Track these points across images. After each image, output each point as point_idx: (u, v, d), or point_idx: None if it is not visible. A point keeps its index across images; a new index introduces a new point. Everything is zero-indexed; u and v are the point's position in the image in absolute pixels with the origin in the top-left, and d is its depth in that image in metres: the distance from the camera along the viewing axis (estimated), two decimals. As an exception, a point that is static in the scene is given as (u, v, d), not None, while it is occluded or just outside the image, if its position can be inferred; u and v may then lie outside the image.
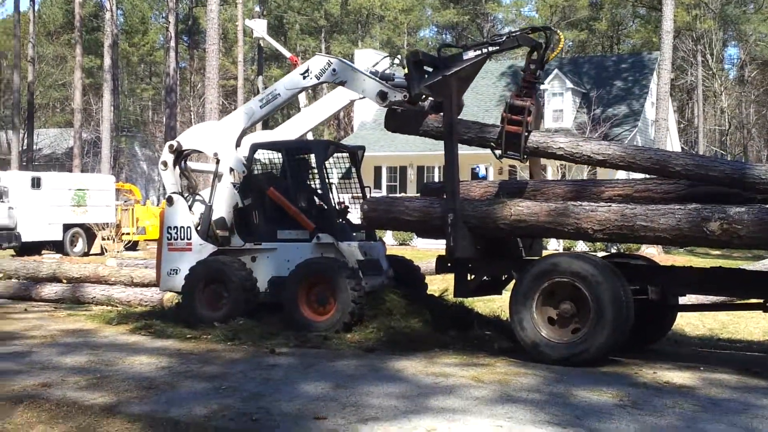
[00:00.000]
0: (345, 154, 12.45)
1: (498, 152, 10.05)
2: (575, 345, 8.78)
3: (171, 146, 12.08)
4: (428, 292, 12.13)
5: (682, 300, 11.08)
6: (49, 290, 14.79)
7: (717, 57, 70.72)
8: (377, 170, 45.79)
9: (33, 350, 9.54)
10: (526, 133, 9.85)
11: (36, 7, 61.91)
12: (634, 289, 9.13)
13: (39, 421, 6.45)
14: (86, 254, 32.39)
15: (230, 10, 71.30)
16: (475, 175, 42.20)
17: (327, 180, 11.70)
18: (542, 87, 43.06)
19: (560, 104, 43.07)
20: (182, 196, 11.99)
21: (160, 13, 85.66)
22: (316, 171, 11.88)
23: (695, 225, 8.31)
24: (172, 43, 59.25)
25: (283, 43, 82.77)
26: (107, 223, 32.21)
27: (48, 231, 31.55)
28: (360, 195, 12.11)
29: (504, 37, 10.50)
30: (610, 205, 8.94)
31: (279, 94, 11.90)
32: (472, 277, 10.12)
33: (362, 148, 12.41)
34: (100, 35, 71.68)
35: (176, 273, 11.62)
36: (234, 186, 11.94)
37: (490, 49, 10.43)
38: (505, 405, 7.00)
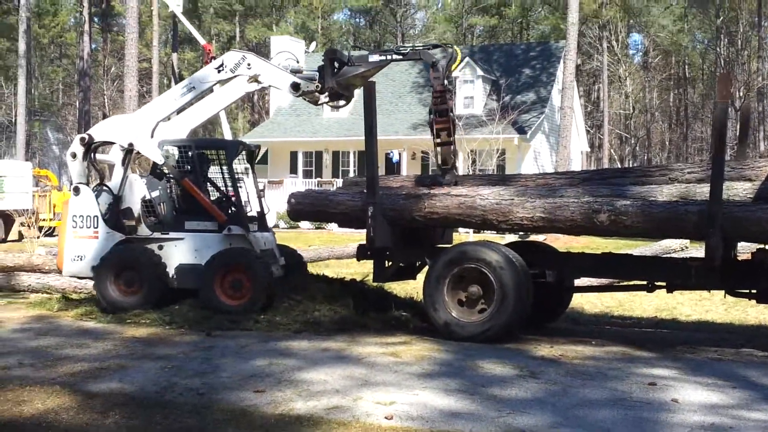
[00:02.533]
0: (244, 152, 13.19)
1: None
2: (482, 324, 9.84)
3: (83, 139, 12.49)
4: (350, 277, 13.14)
5: (578, 282, 12.28)
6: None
7: (622, 43, 72.98)
8: (293, 155, 46.54)
9: (-16, 336, 10.24)
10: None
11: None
12: (534, 273, 10.24)
13: (7, 400, 7.17)
14: (4, 240, 32.50)
15: (144, -9, 70.98)
16: (389, 161, 43.33)
17: (235, 176, 12.61)
18: (453, 75, 44.25)
19: (471, 91, 44.33)
20: (88, 186, 12.53)
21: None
22: (225, 167, 12.67)
23: (587, 216, 9.44)
24: (86, 27, 58.97)
25: (197, 26, 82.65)
26: (25, 210, 32.36)
27: (-37, 218, 31.64)
28: (256, 190, 13.01)
29: (408, 50, 11.82)
30: (512, 199, 10.01)
31: (194, 87, 12.63)
32: (390, 263, 11.13)
33: (258, 147, 13.26)
34: (10, 18, 70.72)
35: (81, 259, 12.18)
36: (141, 177, 12.64)
37: (394, 57, 11.80)
38: (421, 378, 8.01)
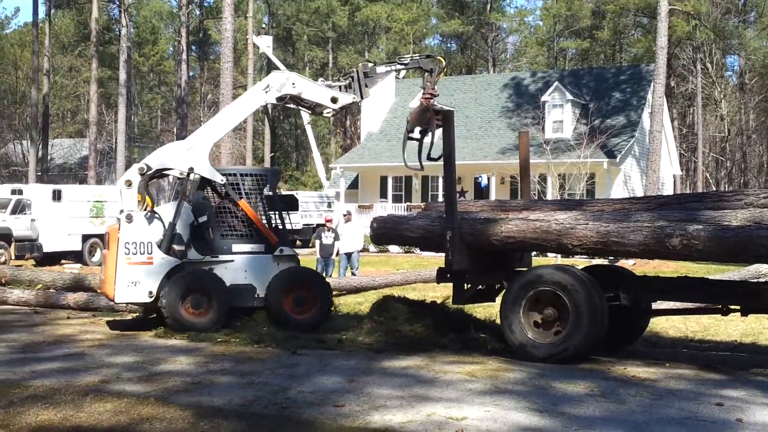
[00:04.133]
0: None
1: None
2: (556, 345, 10.13)
3: (141, 169, 12.89)
4: (436, 299, 13.78)
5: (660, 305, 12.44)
6: (85, 299, 16.11)
7: (716, 65, 71.95)
8: (383, 180, 47.16)
9: (86, 352, 10.92)
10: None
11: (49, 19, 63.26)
12: (609, 296, 10.49)
13: (105, 411, 7.76)
14: (106, 263, 33.69)
15: (240, 20, 72.70)
16: (478, 185, 43.64)
17: (278, 202, 13.62)
18: (543, 99, 44.43)
19: (560, 115, 44.33)
20: (140, 213, 12.85)
21: (170, 22, 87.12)
22: (268, 194, 13.66)
23: (659, 240, 9.66)
24: (184, 56, 60.75)
25: (291, 53, 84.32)
26: (125, 234, 33.48)
27: (68, 241, 32.91)
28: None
29: (408, 60, 13.75)
30: (587, 223, 10.28)
31: (243, 108, 13.67)
32: (468, 286, 11.50)
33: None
34: (112, 47, 73.23)
35: (135, 285, 12.53)
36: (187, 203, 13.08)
37: (398, 66, 13.81)
38: (494, 395, 8.35)
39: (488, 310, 14.61)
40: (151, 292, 12.58)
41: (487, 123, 47.49)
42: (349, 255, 23.00)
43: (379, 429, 7.09)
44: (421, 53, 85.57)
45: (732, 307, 10.50)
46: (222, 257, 12.96)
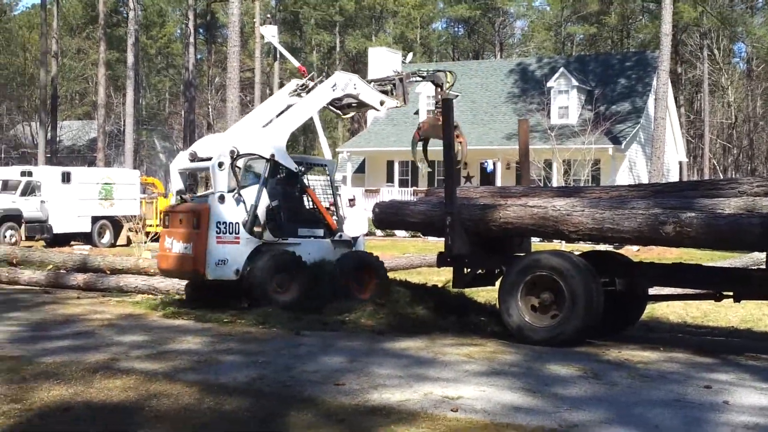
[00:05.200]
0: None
1: None
2: (553, 328, 10.41)
3: (232, 151, 13.25)
4: (440, 283, 14.21)
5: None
6: (95, 280, 16.46)
7: (723, 51, 71.93)
8: (390, 165, 47.40)
9: (96, 331, 11.25)
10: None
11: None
12: (604, 281, 10.76)
13: (115, 387, 8.06)
14: (113, 245, 34.13)
15: (247, 2, 72.80)
16: (483, 170, 43.88)
17: (336, 189, 14.56)
18: (548, 85, 44.60)
19: (566, 101, 44.55)
20: (230, 195, 13.29)
21: (178, 5, 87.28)
22: (328, 183, 14.79)
23: (653, 227, 9.92)
24: (191, 39, 60.98)
25: (298, 37, 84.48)
26: (133, 216, 33.93)
27: (77, 223, 33.36)
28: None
29: (425, 72, 15.64)
30: (583, 210, 10.54)
31: (314, 102, 14.52)
32: (468, 270, 11.79)
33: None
34: (119, 30, 73.47)
35: (224, 263, 13.01)
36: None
37: (417, 78, 15.72)
38: (490, 376, 8.63)
39: (489, 295, 14.93)
40: (237, 270, 13.07)
41: (493, 108, 47.70)
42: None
43: (377, 407, 7.38)
44: (428, 38, 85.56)
45: (725, 293, 10.77)
46: (290, 240, 13.69)
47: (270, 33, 47.24)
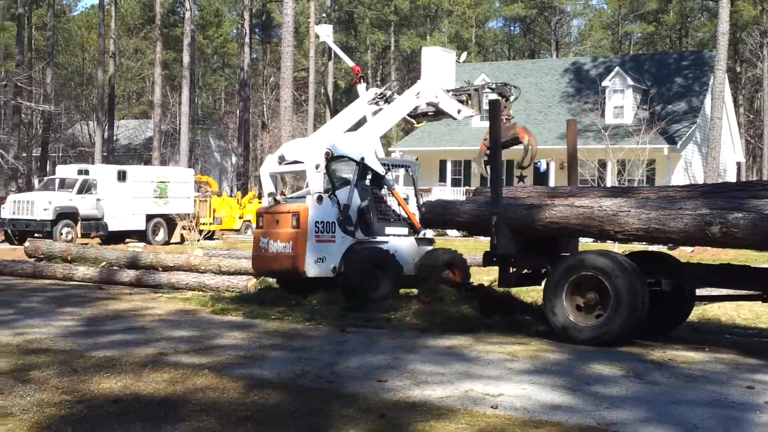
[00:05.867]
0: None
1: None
2: (598, 328, 10.41)
3: (327, 153, 13.92)
4: (489, 282, 14.44)
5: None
6: (146, 277, 16.76)
7: (784, 50, 70.77)
8: (442, 164, 47.44)
9: (146, 326, 11.50)
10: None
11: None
12: (650, 281, 10.72)
13: (162, 380, 8.24)
14: (167, 243, 34.59)
15: (302, 2, 73.23)
16: (537, 170, 43.69)
17: (417, 189, 15.32)
18: (603, 84, 44.30)
19: (620, 101, 44.22)
20: (326, 195, 13.94)
21: (233, 6, 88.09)
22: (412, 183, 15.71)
23: (699, 228, 9.87)
24: (247, 39, 61.50)
25: (353, 36, 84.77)
26: (187, 214, 34.35)
27: (132, 221, 33.86)
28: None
29: (494, 85, 16.26)
30: (630, 210, 10.52)
31: (400, 109, 15.34)
32: (514, 270, 11.82)
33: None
34: (176, 30, 74.35)
35: (322, 261, 13.65)
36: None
37: (487, 91, 16.10)
38: (532, 374, 8.68)
39: (537, 295, 14.94)
40: (335, 268, 13.72)
41: (547, 108, 47.50)
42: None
43: (417, 403, 7.46)
44: (483, 37, 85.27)
45: (772, 293, 10.68)
46: (379, 238, 14.39)
47: (325, 32, 47.28)
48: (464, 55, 55.75)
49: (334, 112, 72.02)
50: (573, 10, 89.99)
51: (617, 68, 45.17)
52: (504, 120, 14.51)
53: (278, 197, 14.51)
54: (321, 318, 12.02)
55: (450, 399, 7.59)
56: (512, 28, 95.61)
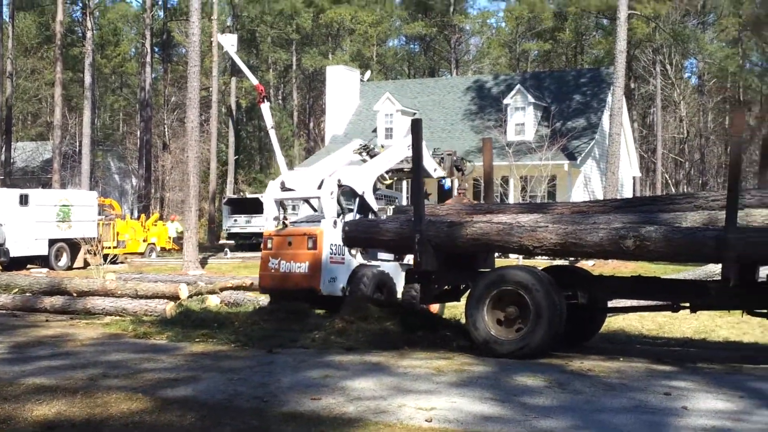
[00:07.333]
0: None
1: None
2: (518, 341, 10.75)
3: (339, 180, 15.43)
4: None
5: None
6: (62, 303, 16.53)
7: (676, 67, 73.16)
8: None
9: (71, 352, 11.39)
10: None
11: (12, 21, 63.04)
12: (567, 295, 11.13)
13: (96, 405, 8.23)
14: (70, 268, 33.77)
15: (203, 21, 72.58)
16: (441, 187, 44.18)
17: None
18: (505, 102, 45.19)
19: (522, 118, 45.13)
20: (338, 220, 14.97)
21: (134, 25, 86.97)
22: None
23: (614, 242, 10.31)
24: (148, 59, 60.87)
25: (255, 55, 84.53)
26: (91, 238, 33.63)
27: (34, 246, 32.91)
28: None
29: (456, 158, 18.87)
30: (547, 226, 10.91)
31: (395, 155, 16.96)
32: (435, 286, 12.10)
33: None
34: (74, 49, 73.06)
35: (334, 281, 14.95)
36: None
37: (456, 158, 18.88)
38: (460, 387, 8.94)
39: (452, 311, 15.29)
40: (344, 288, 14.97)
41: (451, 126, 48.18)
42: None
43: (354, 419, 7.64)
44: (384, 55, 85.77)
45: (682, 304, 11.19)
46: (373, 262, 15.75)
47: (229, 42, 46.93)
48: (368, 73, 56.13)
49: (237, 132, 71.69)
50: (472, 28, 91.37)
51: (518, 86, 46.11)
52: (459, 194, 17.91)
53: (286, 221, 15.50)
54: (246, 339, 12.07)
55: (385, 414, 7.80)
56: (413, 46, 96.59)
